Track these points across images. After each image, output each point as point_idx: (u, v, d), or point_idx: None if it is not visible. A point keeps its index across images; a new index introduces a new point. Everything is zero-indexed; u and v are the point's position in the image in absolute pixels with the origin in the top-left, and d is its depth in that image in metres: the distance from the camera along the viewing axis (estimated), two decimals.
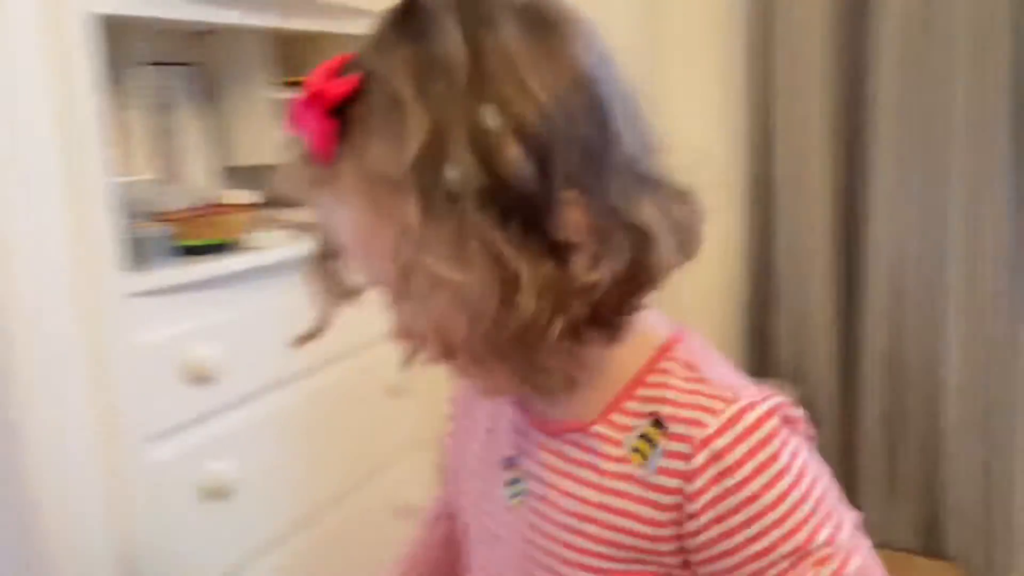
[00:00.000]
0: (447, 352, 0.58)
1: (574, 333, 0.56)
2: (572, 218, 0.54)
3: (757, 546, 0.56)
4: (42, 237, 1.09)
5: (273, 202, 0.62)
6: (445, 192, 0.51)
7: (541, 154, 0.52)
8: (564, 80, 0.53)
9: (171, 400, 1.28)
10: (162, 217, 1.42)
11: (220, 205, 1.52)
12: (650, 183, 0.58)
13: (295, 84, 1.67)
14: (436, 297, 0.53)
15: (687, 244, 0.60)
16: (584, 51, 0.55)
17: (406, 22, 0.54)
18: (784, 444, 0.57)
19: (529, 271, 0.52)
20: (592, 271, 0.54)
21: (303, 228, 0.64)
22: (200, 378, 1.32)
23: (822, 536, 0.56)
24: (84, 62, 1.12)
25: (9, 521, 1.11)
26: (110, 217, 1.16)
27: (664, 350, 0.62)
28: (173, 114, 1.58)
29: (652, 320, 0.64)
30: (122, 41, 1.41)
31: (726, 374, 0.61)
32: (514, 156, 0.51)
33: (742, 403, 0.57)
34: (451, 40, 0.52)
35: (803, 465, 0.57)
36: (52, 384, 1.11)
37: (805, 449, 0.59)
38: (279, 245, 1.46)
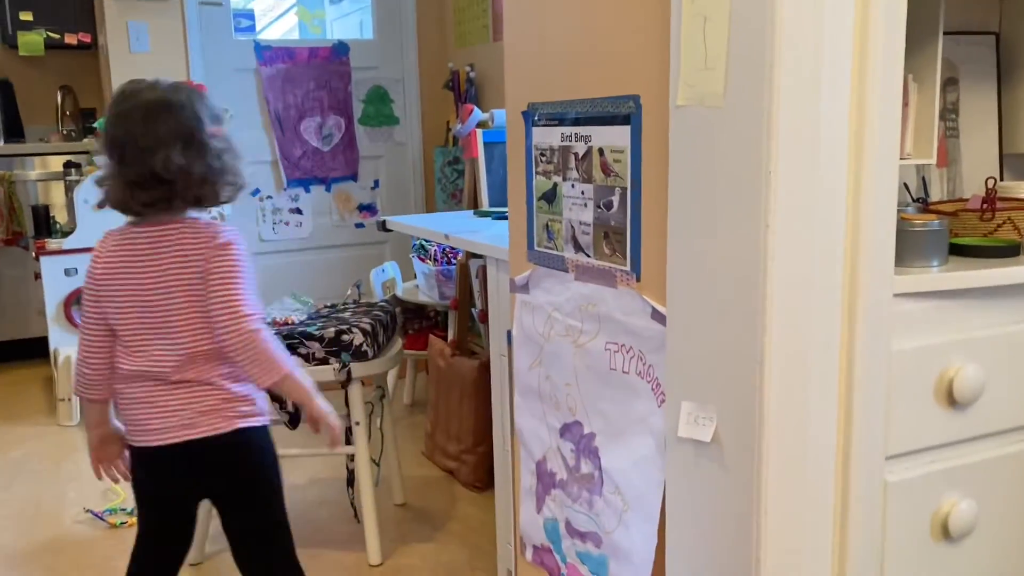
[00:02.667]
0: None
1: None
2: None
3: None
4: (816, 211, 1.00)
5: None
6: None
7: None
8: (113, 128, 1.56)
9: (918, 418, 1.12)
10: (932, 208, 1.26)
11: (1001, 199, 1.29)
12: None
13: None
14: None
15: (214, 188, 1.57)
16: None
17: None
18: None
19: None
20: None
21: None
22: (952, 398, 1.13)
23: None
24: (886, 29, 1.00)
25: (731, 489, 1.08)
26: (890, 204, 1.03)
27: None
28: (957, 89, 1.38)
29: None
30: (922, 6, 1.26)
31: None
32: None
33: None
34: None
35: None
36: (799, 375, 1.03)
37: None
38: None
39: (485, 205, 2.71)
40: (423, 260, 3.41)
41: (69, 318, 3.47)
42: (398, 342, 2.52)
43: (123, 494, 2.71)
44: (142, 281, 1.52)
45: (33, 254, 3.61)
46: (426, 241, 3.38)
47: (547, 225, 1.44)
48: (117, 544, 2.38)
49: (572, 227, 1.37)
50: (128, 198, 1.51)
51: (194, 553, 2.30)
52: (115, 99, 1.54)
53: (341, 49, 4.27)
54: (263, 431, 1.63)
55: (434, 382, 2.96)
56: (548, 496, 1.52)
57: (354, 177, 4.35)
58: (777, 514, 1.04)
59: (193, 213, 1.56)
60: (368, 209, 4.40)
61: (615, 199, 1.27)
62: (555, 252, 1.42)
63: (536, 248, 1.48)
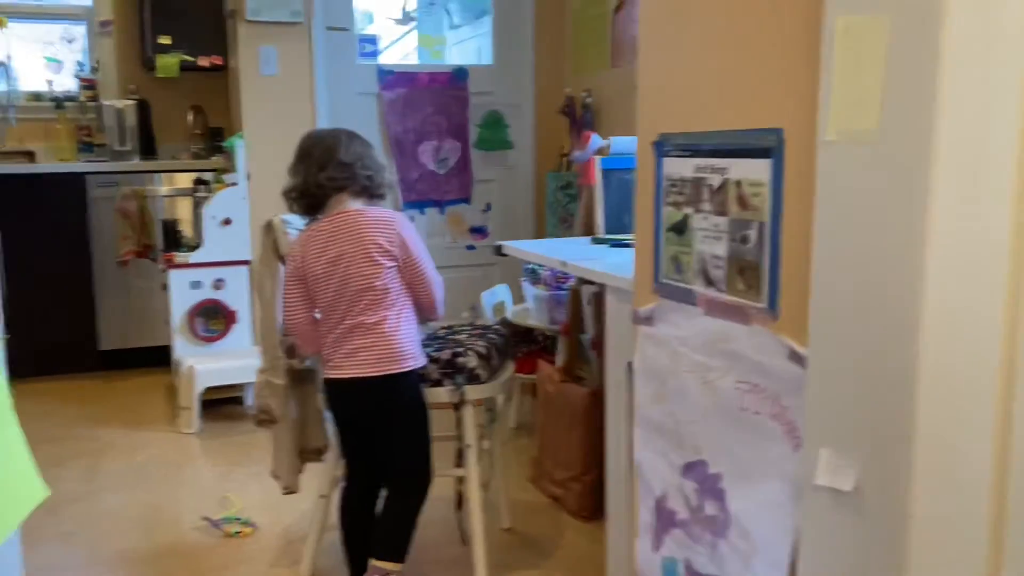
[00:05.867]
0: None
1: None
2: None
3: None
4: (977, 250, 0.95)
5: None
6: None
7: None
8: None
9: None
10: None
11: None
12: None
13: None
14: None
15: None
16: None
17: None
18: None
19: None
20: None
21: None
22: None
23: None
24: None
25: (886, 511, 1.03)
26: None
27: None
28: None
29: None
30: None
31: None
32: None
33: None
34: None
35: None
36: (953, 424, 0.98)
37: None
38: None
39: (601, 232, 2.69)
40: (534, 284, 3.42)
41: (193, 330, 3.61)
42: (510, 366, 2.52)
43: (239, 503, 2.78)
44: (328, 258, 2.02)
45: (161, 267, 3.77)
46: (538, 265, 3.38)
47: (675, 257, 1.41)
48: (230, 553, 2.44)
49: (703, 260, 1.34)
50: (312, 181, 2.04)
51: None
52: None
53: (460, 75, 4.34)
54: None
55: (543, 407, 2.94)
56: (667, 535, 1.48)
57: (467, 200, 4.40)
58: (923, 571, 0.99)
59: (358, 204, 2.07)
60: (479, 232, 4.44)
61: (752, 233, 1.23)
62: (683, 285, 1.39)
63: (662, 280, 1.45)
